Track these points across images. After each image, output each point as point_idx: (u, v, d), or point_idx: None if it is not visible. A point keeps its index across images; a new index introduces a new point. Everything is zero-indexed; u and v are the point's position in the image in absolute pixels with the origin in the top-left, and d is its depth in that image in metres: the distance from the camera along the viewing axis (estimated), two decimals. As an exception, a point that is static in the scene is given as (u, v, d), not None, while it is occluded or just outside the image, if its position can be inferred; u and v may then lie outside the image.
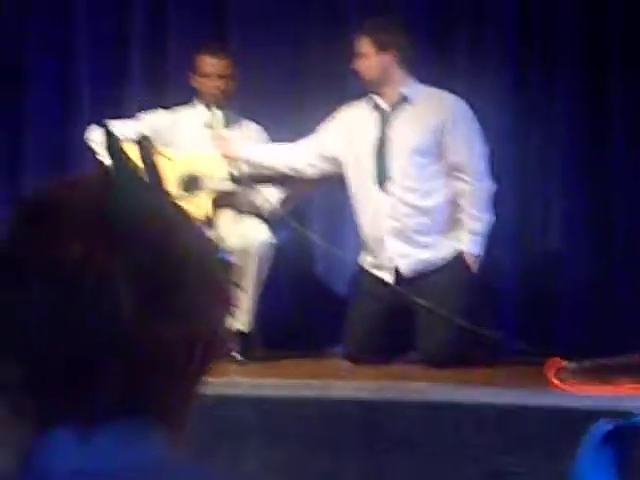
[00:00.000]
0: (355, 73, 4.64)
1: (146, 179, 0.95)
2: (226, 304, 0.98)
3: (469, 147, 4.57)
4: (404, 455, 3.53)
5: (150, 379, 0.92)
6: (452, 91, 4.61)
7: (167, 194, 0.98)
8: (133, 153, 0.96)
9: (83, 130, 4.81)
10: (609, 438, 3.03)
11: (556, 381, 3.89)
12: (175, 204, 0.97)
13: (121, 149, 0.93)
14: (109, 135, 0.93)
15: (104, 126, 1.00)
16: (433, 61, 4.80)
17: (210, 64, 4.83)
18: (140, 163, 0.96)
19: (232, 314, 4.07)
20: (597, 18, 4.87)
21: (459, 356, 4.41)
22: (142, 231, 0.92)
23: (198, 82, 4.88)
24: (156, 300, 0.91)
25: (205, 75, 4.84)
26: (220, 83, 4.81)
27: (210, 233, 4.40)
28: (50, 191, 0.94)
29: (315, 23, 5.14)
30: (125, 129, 4.58)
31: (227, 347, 4.26)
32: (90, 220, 0.91)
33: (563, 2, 4.95)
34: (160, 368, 0.92)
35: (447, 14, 5.06)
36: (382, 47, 4.58)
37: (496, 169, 4.62)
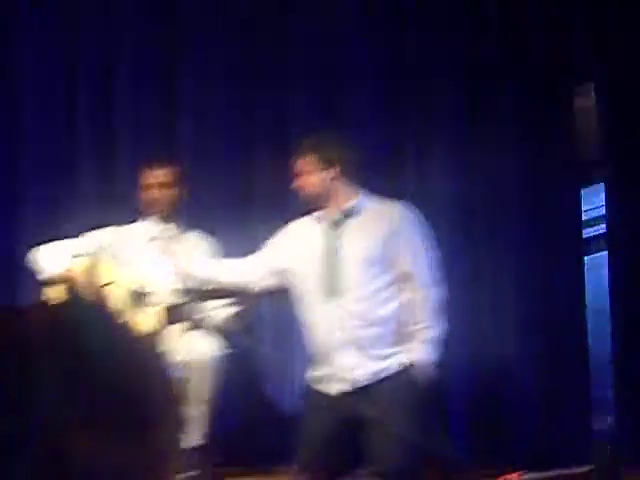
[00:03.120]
0: (297, 191, 4.64)
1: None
2: (176, 422, 0.94)
3: (417, 256, 4.56)
4: None
5: None
6: (401, 198, 4.63)
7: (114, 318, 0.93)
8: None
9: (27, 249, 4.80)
10: None
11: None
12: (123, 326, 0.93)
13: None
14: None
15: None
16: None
17: (151, 176, 4.92)
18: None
19: (182, 432, 4.02)
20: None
21: (411, 471, 4.36)
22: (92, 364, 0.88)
23: (142, 195, 4.92)
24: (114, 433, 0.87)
25: (147, 187, 4.89)
26: (161, 192, 4.86)
27: (159, 347, 4.37)
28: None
29: (263, 139, 5.17)
30: (71, 248, 4.57)
31: (182, 465, 4.20)
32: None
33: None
34: None
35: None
36: (326, 163, 4.61)
37: (447, 276, 4.62)
